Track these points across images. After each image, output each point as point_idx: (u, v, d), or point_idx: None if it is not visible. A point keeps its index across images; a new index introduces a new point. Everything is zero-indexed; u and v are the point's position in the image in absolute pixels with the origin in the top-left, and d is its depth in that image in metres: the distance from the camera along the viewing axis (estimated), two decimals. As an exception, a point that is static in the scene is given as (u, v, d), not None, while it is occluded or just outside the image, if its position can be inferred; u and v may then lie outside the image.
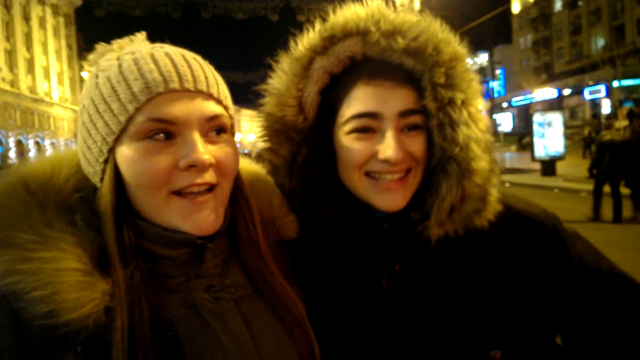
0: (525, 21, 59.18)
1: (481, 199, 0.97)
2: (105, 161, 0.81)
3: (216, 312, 0.84)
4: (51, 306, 0.70)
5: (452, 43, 0.97)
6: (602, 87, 40.55)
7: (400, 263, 1.00)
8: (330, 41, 1.00)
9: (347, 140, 0.98)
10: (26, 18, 52.54)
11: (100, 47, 0.87)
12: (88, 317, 0.71)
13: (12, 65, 49.81)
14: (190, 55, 0.85)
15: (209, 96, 0.83)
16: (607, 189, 9.32)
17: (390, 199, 0.97)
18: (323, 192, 1.05)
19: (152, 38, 0.90)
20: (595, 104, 42.75)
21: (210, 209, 0.82)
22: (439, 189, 0.96)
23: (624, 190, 9.32)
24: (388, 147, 0.94)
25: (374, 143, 0.96)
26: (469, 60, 0.99)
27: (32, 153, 48.28)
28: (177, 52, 0.83)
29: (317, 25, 1.02)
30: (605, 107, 32.83)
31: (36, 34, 54.27)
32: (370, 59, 1.00)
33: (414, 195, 1.00)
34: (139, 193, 0.80)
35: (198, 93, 0.81)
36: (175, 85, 0.78)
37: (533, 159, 17.93)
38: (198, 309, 0.83)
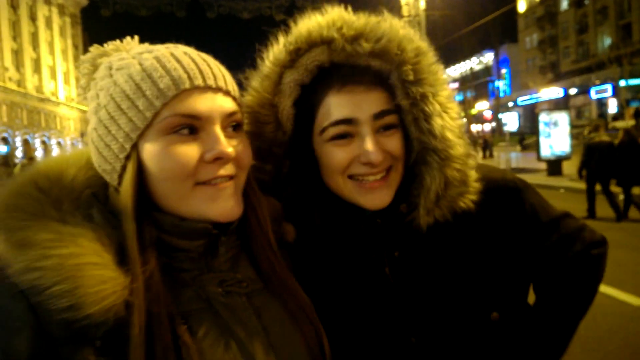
0: (531, 20, 58.95)
1: (462, 182, 1.02)
2: (127, 157, 0.82)
3: (229, 305, 0.86)
4: (72, 300, 0.71)
5: (414, 39, 1.00)
6: (608, 87, 40.34)
7: (399, 250, 1.07)
8: (296, 54, 1.01)
9: (327, 148, 1.00)
10: (32, 18, 52.88)
11: (94, 49, 0.89)
12: (108, 310, 0.73)
13: (18, 65, 50.15)
14: (205, 55, 0.88)
15: (227, 93, 0.87)
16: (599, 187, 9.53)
17: (375, 197, 1.01)
18: (311, 199, 1.08)
19: (158, 37, 0.92)
20: (601, 104, 42.56)
21: (232, 196, 0.86)
22: (423, 180, 1.02)
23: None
24: (368, 150, 0.96)
25: (353, 148, 0.98)
26: (432, 54, 1.03)
27: (38, 152, 48.64)
28: (194, 52, 0.87)
29: (280, 38, 1.03)
30: (612, 107, 32.65)
31: (42, 34, 54.61)
32: (338, 65, 1.01)
33: (400, 189, 1.04)
34: (165, 186, 0.82)
35: (218, 90, 0.85)
36: (199, 82, 0.82)
37: (539, 158, 17.86)
38: (211, 302, 0.85)
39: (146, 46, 0.88)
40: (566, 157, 17.35)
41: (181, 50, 0.86)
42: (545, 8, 56.33)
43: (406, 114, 1.00)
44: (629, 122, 17.56)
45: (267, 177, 1.09)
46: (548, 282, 1.16)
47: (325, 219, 1.08)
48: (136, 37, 0.92)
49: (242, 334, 0.85)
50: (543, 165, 18.15)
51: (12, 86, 47.43)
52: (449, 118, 1.00)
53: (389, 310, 1.06)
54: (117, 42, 0.91)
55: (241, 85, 1.10)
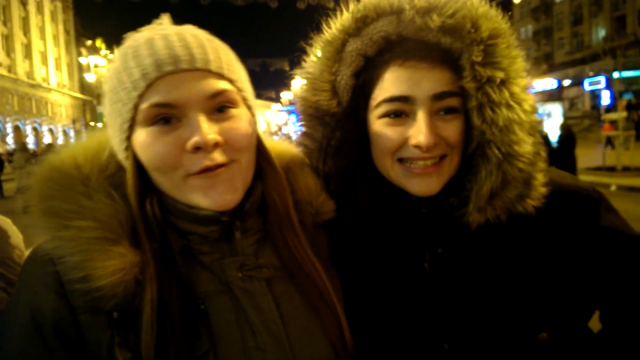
0: (526, 11, 58.76)
1: (525, 184, 0.91)
2: (126, 148, 0.84)
3: (247, 290, 0.86)
4: (85, 271, 0.75)
5: (492, 18, 0.91)
6: (602, 78, 40.42)
7: (442, 246, 0.98)
8: (363, 22, 0.97)
9: (379, 125, 0.96)
10: (23, 2, 51.99)
11: (129, 36, 0.87)
12: (117, 285, 0.76)
13: (9, 50, 49.41)
14: (190, 33, 0.84)
15: (207, 72, 0.81)
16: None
17: (424, 183, 0.94)
18: (357, 176, 1.03)
19: (150, 23, 0.89)
20: (595, 95, 42.66)
21: (227, 184, 0.82)
22: (478, 174, 0.92)
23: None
24: (419, 132, 0.91)
25: (406, 128, 0.93)
26: (512, 36, 0.93)
27: (29, 139, 48.15)
28: (175, 32, 0.82)
29: (350, 6, 0.99)
30: (605, 99, 32.78)
31: (33, 19, 53.75)
32: (405, 38, 0.96)
33: (454, 179, 0.96)
34: (157, 175, 0.83)
35: (195, 71, 0.80)
36: (169, 67, 0.78)
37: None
38: (230, 286, 0.85)
39: (142, 32, 0.85)
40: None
41: (161, 33, 0.82)
42: (541, -1, 56.18)
43: (471, 100, 0.91)
44: (621, 114, 17.61)
45: (314, 145, 1.07)
46: (622, 311, 0.98)
47: (368, 200, 1.02)
48: (167, 16, 0.89)
49: (257, 320, 0.84)
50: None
51: (3, 72, 46.75)
52: (520, 110, 0.89)
53: (423, 309, 0.98)
54: (154, 24, 0.88)
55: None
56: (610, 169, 13.99)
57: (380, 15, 0.96)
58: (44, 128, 55.82)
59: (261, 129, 0.96)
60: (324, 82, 1.03)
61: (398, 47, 0.95)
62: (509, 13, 0.93)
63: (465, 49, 0.90)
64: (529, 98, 0.92)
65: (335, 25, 1.00)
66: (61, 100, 61.38)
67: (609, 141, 19.90)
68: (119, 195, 0.84)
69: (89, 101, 67.97)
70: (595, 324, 1.04)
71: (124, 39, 0.86)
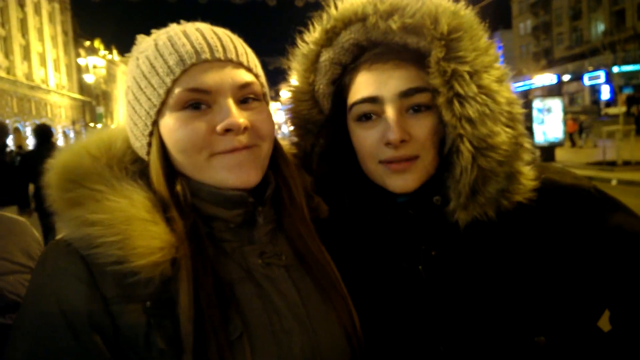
0: (525, 6, 58.71)
1: (507, 178, 0.91)
2: (150, 134, 0.87)
3: (269, 276, 0.89)
4: (123, 252, 0.75)
5: (453, 14, 0.91)
6: (601, 73, 40.38)
7: (436, 248, 0.98)
8: (333, 32, 1.01)
9: (355, 129, 1.00)
10: (21, 4, 51.95)
11: (140, 37, 0.92)
12: (157, 266, 0.76)
13: (7, 52, 49.37)
14: (220, 29, 0.90)
15: (239, 64, 0.88)
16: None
17: (400, 179, 0.96)
18: (342, 181, 1.06)
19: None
20: (594, 90, 42.64)
21: (250, 162, 0.87)
22: (454, 170, 0.92)
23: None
24: (388, 129, 0.93)
25: (378, 130, 0.95)
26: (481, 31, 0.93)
27: (29, 140, 48.14)
28: (207, 27, 0.89)
29: (321, 20, 1.04)
30: (605, 93, 32.77)
31: (31, 20, 53.71)
32: (375, 43, 0.99)
33: (436, 178, 0.97)
34: (182, 158, 0.85)
35: (228, 62, 0.86)
36: (206, 55, 0.84)
37: (532, 145, 17.94)
38: (252, 273, 0.87)
39: (173, 26, 0.91)
40: (559, 144, 17.42)
41: (194, 27, 0.88)
42: (539, -6, 56.09)
43: (439, 95, 0.91)
44: (621, 109, 17.63)
45: (301, 153, 1.11)
46: (634, 311, 0.93)
47: (355, 204, 1.05)
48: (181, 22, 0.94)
49: (282, 305, 0.87)
50: (536, 152, 18.24)
51: (2, 74, 46.75)
52: (491, 102, 0.89)
53: (418, 312, 0.97)
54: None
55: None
56: (611, 164, 13.99)
57: (347, 24, 1.00)
58: (44, 129, 55.71)
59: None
60: (303, 92, 1.08)
61: (368, 52, 0.99)
62: (499, 15, 0.93)
63: (430, 46, 0.92)
64: (503, 89, 0.91)
65: (308, 39, 1.05)
66: (60, 101, 61.38)
67: (571, 138, 19.91)
68: (143, 182, 0.85)
69: (88, 102, 68.01)
70: (604, 324, 1.00)
71: (123, 39, 0.90)
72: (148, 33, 0.93)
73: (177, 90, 0.83)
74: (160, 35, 0.88)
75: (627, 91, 31.86)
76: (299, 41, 1.06)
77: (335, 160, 1.06)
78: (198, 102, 0.84)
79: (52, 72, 59.06)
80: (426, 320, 0.97)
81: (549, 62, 53.26)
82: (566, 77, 46.01)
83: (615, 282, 0.93)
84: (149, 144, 0.88)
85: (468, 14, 0.93)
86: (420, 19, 0.92)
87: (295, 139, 1.12)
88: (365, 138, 0.97)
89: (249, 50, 0.93)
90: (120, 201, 0.79)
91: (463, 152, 0.90)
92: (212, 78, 0.84)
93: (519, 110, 0.93)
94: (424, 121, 0.94)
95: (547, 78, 47.22)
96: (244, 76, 0.88)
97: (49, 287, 0.78)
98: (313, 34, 1.04)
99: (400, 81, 0.93)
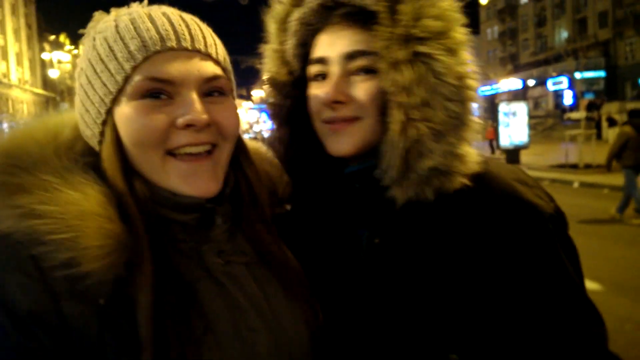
0: (492, 12, 59.99)
1: (443, 156, 0.86)
2: (104, 123, 0.80)
3: (230, 274, 0.85)
4: (73, 253, 0.67)
5: None
6: (564, 79, 41.67)
7: (380, 236, 0.96)
8: None
9: (310, 88, 1.01)
10: (-19, -5, 49.98)
11: (98, 14, 0.85)
12: (110, 269, 0.69)
13: (-34, 44, 47.38)
14: (188, 16, 0.84)
15: (207, 56, 0.82)
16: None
17: (336, 141, 0.95)
18: (299, 144, 1.07)
19: None
20: (558, 95, 43.93)
21: (209, 172, 0.82)
22: (385, 140, 0.89)
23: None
24: (326, 89, 0.93)
25: (324, 89, 0.95)
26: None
27: (-11, 137, 46.24)
28: (175, 12, 0.83)
29: None
30: (568, 98, 33.88)
31: (-8, 12, 51.73)
32: (339, 4, 0.98)
33: (379, 151, 0.92)
34: (136, 152, 0.79)
35: (196, 52, 0.80)
36: (172, 43, 0.78)
37: (498, 147, 18.36)
38: (212, 272, 0.84)
39: (135, 7, 0.84)
40: (524, 147, 17.89)
41: (160, 10, 0.81)
42: (506, 1, 57.43)
43: (381, 61, 0.88)
44: (583, 114, 18.23)
45: (274, 112, 1.11)
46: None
47: (309, 167, 1.05)
48: (145, 2, 0.86)
49: (245, 302, 0.83)
50: (501, 155, 18.70)
51: (-40, 67, 44.83)
52: (427, 71, 0.85)
53: (352, 291, 0.97)
54: (124, 8, 0.85)
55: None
56: (573, 167, 14.47)
57: None
58: (5, 125, 53.82)
59: None
60: (275, 52, 1.08)
61: (330, 13, 0.98)
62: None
63: (378, 8, 0.90)
64: (453, 61, 0.86)
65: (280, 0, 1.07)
66: (23, 96, 59.27)
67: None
68: (96, 176, 0.77)
69: (52, 98, 65.92)
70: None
71: (94, 18, 0.84)
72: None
73: (136, 78, 0.76)
74: (121, 16, 0.80)
75: (589, 97, 32.96)
76: (273, 1, 1.07)
77: (297, 122, 1.06)
78: (158, 92, 0.77)
79: (14, 66, 56.98)
80: (359, 301, 0.95)
81: (515, 67, 54.61)
82: (531, 82, 47.25)
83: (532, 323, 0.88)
84: (102, 134, 0.80)
85: None
86: None
87: (270, 100, 1.11)
88: (314, 97, 0.98)
89: (219, 42, 0.87)
90: (73, 194, 0.71)
91: (393, 121, 0.87)
92: (177, 68, 0.77)
93: (470, 85, 0.88)
94: (364, 84, 0.92)
95: (513, 83, 48.37)
96: (212, 68, 0.82)
97: None
98: None
99: (347, 42, 0.93)
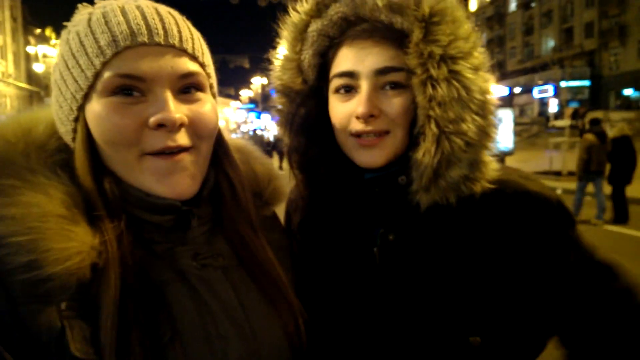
0: (481, 19, 60.65)
1: (469, 165, 0.93)
2: (76, 119, 0.77)
3: (204, 279, 0.82)
4: (33, 255, 0.64)
5: (443, 0, 0.93)
6: (550, 87, 42.27)
7: (395, 233, 0.99)
8: (323, 4, 1.04)
9: (333, 101, 1.03)
10: (-34, -15, 49.07)
11: (82, 6, 0.82)
12: (72, 273, 0.66)
13: (-51, 35, 46.48)
14: (165, 9, 0.80)
15: (182, 52, 0.79)
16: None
17: (367, 154, 0.98)
18: (316, 152, 1.08)
19: None
20: (543, 103, 44.54)
21: (185, 171, 0.79)
22: (417, 151, 0.93)
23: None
24: (359, 103, 0.95)
25: (353, 102, 0.98)
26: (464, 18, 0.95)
27: (-30, 130, 45.36)
28: (150, 5, 0.79)
29: None
30: (553, 106, 34.35)
31: (-23, 4, 50.81)
32: (362, 19, 1.01)
33: (404, 159, 0.97)
34: (109, 152, 0.76)
35: (170, 48, 0.77)
36: (143, 38, 0.74)
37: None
38: (185, 275, 0.81)
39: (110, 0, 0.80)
40: (509, 153, 18.06)
41: (135, 4, 0.78)
42: (495, 8, 58.08)
43: (415, 77, 0.92)
44: (567, 122, 18.50)
45: (283, 119, 1.11)
46: (585, 339, 0.97)
47: (326, 177, 1.07)
48: None
49: (217, 308, 0.80)
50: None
51: (-59, 58, 43.93)
52: (461, 88, 0.90)
53: (366, 292, 0.98)
54: None
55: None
56: (557, 174, 14.67)
57: None
58: (-13, 119, 52.76)
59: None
60: (290, 61, 1.10)
61: (354, 27, 1.01)
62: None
63: (412, 27, 0.94)
64: (479, 78, 0.93)
65: (300, 9, 1.08)
66: (6, 90, 58.26)
67: None
68: (65, 175, 0.75)
69: (37, 92, 64.92)
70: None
71: (77, 9, 0.81)
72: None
73: (106, 75, 0.73)
74: (95, 9, 0.77)
75: (573, 105, 33.49)
76: (290, 10, 1.09)
77: (313, 131, 1.09)
78: (129, 89, 0.74)
79: (-3, 59, 55.99)
80: (372, 302, 0.97)
81: (502, 74, 55.23)
82: (517, 90, 47.84)
83: (564, 301, 0.96)
84: (74, 130, 0.77)
85: (451, 0, 0.95)
86: None
87: (279, 106, 1.14)
88: (341, 110, 1.00)
89: (197, 35, 0.83)
90: (36, 195, 0.68)
91: (427, 134, 0.91)
92: (148, 64, 0.74)
93: (491, 100, 0.95)
94: (396, 99, 0.96)
95: (500, 90, 48.91)
96: (187, 65, 0.78)
97: None
98: (305, 4, 1.07)
99: (378, 58, 0.95)
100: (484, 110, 0.93)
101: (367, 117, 0.94)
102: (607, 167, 8.89)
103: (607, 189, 8.93)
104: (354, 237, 1.04)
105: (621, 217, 8.73)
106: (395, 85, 0.96)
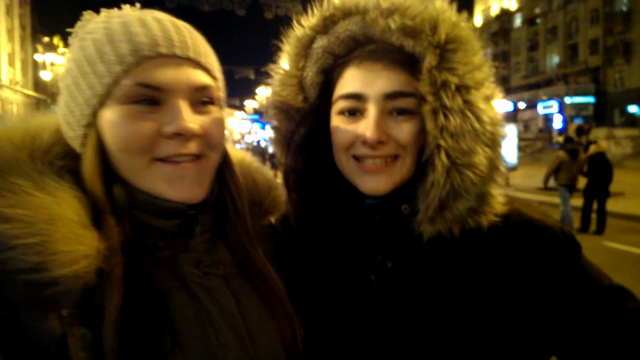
0: (486, 35, 60.96)
1: (477, 198, 0.89)
2: (88, 125, 0.78)
3: (205, 286, 0.83)
4: (41, 257, 0.64)
5: (454, 25, 0.89)
6: (554, 103, 42.32)
7: (393, 260, 0.95)
8: (331, 20, 1.00)
9: (336, 121, 0.98)
10: (-23, -7, 49.72)
11: (87, 14, 0.83)
12: (79, 277, 0.66)
13: (-42, 42, 46.99)
14: (180, 23, 0.83)
15: (197, 64, 0.81)
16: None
17: (373, 181, 0.94)
18: (315, 173, 1.04)
19: None
20: (547, 119, 44.55)
21: (194, 177, 0.80)
22: (425, 181, 0.90)
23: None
24: (367, 128, 0.91)
25: (358, 125, 0.94)
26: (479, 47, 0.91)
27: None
28: (166, 18, 0.82)
29: (321, 5, 1.02)
30: (557, 122, 34.37)
31: (-13, 11, 51.45)
32: (371, 39, 0.97)
33: (408, 187, 0.95)
34: (121, 158, 0.77)
35: (186, 60, 0.79)
36: (162, 49, 0.77)
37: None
38: (187, 282, 0.81)
39: (127, 9, 0.82)
40: (513, 168, 18.04)
41: (152, 15, 0.80)
42: (500, 24, 58.40)
43: (426, 103, 0.88)
44: (561, 138, 18.50)
45: (280, 137, 1.08)
46: None
47: (323, 197, 1.02)
48: (137, 5, 0.85)
49: (218, 316, 0.81)
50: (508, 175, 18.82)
51: (-50, 64, 44.38)
52: (474, 120, 0.86)
53: (362, 322, 0.95)
54: (115, 9, 0.83)
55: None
56: (560, 190, 14.57)
57: (347, 15, 0.98)
58: (-7, 125, 53.08)
59: None
60: (291, 77, 1.06)
61: (362, 47, 0.97)
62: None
63: (425, 52, 0.89)
64: (490, 109, 0.89)
65: (305, 23, 1.04)
66: (13, 97, 58.75)
67: None
68: (71, 180, 0.75)
69: (43, 100, 65.42)
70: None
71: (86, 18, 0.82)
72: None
73: (125, 83, 0.75)
74: (112, 18, 0.79)
75: (578, 121, 33.49)
76: (295, 24, 1.04)
77: (312, 152, 1.03)
78: (146, 98, 0.76)
79: (5, 66, 56.56)
80: (368, 331, 0.94)
81: (506, 89, 55.35)
82: (522, 105, 47.91)
83: (570, 328, 0.91)
84: (85, 136, 0.78)
85: (467, 27, 0.92)
86: (420, 23, 0.89)
87: (275, 124, 1.09)
88: (345, 132, 0.95)
89: (209, 50, 0.86)
90: (44, 197, 0.68)
91: (437, 165, 0.87)
92: (167, 75, 0.76)
93: (500, 132, 0.91)
94: (404, 125, 0.92)
95: (504, 105, 48.90)
96: (201, 77, 0.81)
97: None
98: (310, 19, 1.02)
99: (388, 82, 0.91)
100: (493, 142, 0.90)
101: (375, 144, 0.91)
102: (582, 181, 9.79)
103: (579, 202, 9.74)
104: (351, 263, 1.00)
105: (600, 228, 9.55)
106: (403, 111, 0.92)
